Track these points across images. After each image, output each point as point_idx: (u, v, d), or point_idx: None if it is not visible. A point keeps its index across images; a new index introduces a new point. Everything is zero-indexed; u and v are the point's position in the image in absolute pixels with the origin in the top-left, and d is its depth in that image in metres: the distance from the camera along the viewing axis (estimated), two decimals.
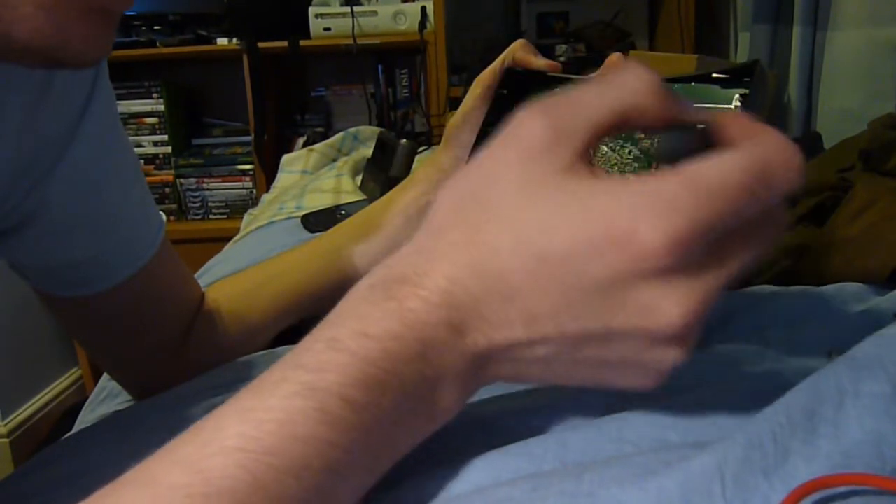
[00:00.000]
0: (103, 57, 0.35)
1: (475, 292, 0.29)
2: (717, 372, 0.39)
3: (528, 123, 0.30)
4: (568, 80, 0.58)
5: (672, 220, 0.27)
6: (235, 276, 0.70)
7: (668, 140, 0.32)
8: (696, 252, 0.28)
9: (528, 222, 0.29)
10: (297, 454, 0.26)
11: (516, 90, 0.60)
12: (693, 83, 0.50)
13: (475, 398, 0.38)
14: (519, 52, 0.58)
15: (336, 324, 0.30)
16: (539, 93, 0.59)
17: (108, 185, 0.53)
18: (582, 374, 0.31)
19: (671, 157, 0.31)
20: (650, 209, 0.27)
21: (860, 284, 0.56)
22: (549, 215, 0.29)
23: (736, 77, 0.48)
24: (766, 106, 1.56)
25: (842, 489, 0.27)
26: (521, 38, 0.63)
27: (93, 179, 0.52)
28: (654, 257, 0.27)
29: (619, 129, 0.31)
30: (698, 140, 0.31)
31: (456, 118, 0.62)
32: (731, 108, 0.47)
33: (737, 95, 0.47)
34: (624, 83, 0.31)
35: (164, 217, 0.60)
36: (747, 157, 0.28)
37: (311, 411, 0.27)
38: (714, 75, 0.49)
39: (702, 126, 0.32)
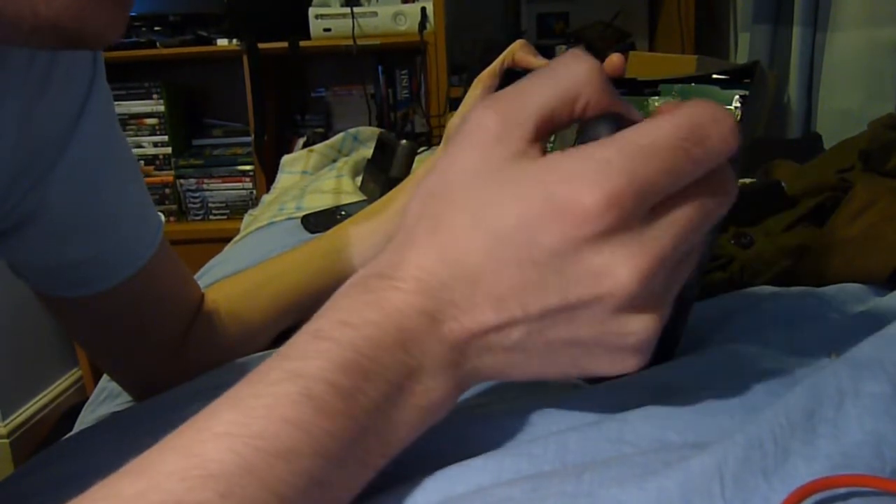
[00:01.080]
0: (118, 37, 0.36)
1: (444, 279, 0.31)
2: (717, 372, 0.39)
3: (480, 116, 0.32)
4: None
5: (608, 180, 0.28)
6: (235, 277, 0.70)
7: (598, 125, 0.33)
8: (637, 212, 0.29)
9: (481, 204, 0.31)
10: (285, 437, 0.27)
11: None
12: (693, 84, 0.50)
13: (475, 399, 0.38)
14: (518, 52, 0.59)
15: (319, 317, 0.31)
16: None
17: (106, 186, 0.53)
18: (560, 360, 0.32)
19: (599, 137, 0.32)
20: (586, 174, 0.29)
21: (860, 285, 0.56)
22: (499, 194, 0.30)
23: (736, 78, 0.48)
24: (767, 107, 1.56)
25: (842, 490, 0.27)
26: (521, 38, 0.63)
27: (91, 180, 0.52)
28: (595, 219, 0.28)
29: (566, 116, 0.32)
30: (620, 122, 0.33)
31: (456, 118, 0.62)
32: (730, 109, 0.47)
33: (737, 96, 0.47)
34: (568, 72, 0.32)
35: (162, 218, 0.60)
36: (676, 118, 0.30)
37: (297, 395, 0.28)
38: (714, 76, 0.49)
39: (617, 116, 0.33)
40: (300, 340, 0.30)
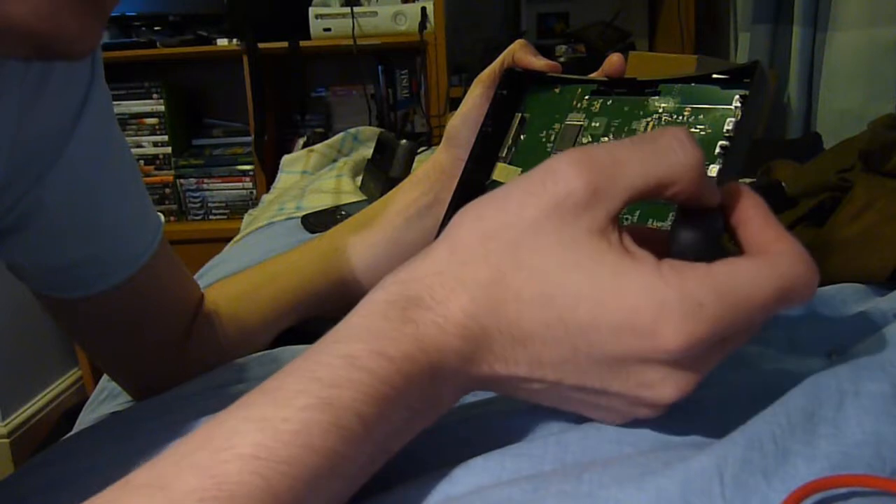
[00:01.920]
0: (92, 49, 0.35)
1: (490, 330, 0.31)
2: (717, 372, 0.39)
3: (567, 176, 0.30)
4: (567, 81, 0.58)
5: (695, 325, 0.28)
6: (235, 277, 0.70)
7: (697, 230, 0.33)
8: (704, 353, 0.29)
9: (557, 284, 0.30)
10: (311, 464, 0.27)
11: (515, 90, 0.60)
12: (693, 84, 0.50)
13: (475, 399, 0.38)
14: (518, 52, 0.58)
15: (353, 338, 0.30)
16: (538, 93, 0.60)
17: (104, 187, 0.53)
18: (569, 407, 0.34)
19: (690, 245, 0.32)
20: (677, 311, 0.28)
21: (860, 285, 0.56)
22: (578, 285, 0.30)
23: (736, 78, 0.48)
24: (767, 106, 1.56)
25: (842, 490, 0.27)
26: (521, 38, 0.63)
27: (89, 181, 0.52)
28: (668, 354, 0.29)
29: (653, 196, 0.31)
30: (718, 224, 0.33)
31: (455, 118, 0.62)
32: (730, 109, 0.47)
33: (737, 96, 0.47)
34: (671, 157, 0.31)
35: (161, 218, 0.60)
36: (777, 277, 0.30)
37: (327, 425, 0.28)
38: (714, 76, 0.49)
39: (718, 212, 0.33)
40: (334, 364, 0.29)
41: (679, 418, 0.34)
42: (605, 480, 0.28)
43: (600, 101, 0.55)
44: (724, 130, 0.47)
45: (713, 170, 0.46)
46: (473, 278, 0.31)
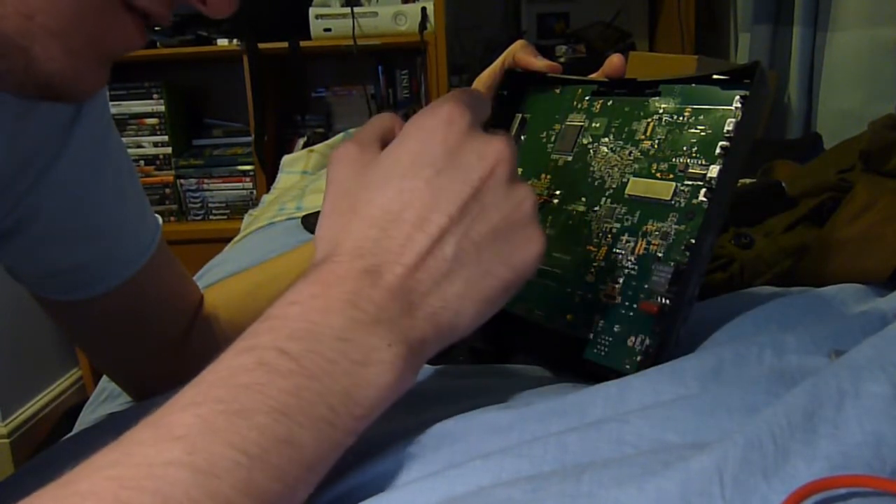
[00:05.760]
0: (98, 91, 0.41)
1: (375, 236, 0.35)
2: (717, 372, 0.39)
3: (343, 148, 0.40)
4: (567, 81, 0.58)
5: (449, 102, 0.38)
6: (235, 278, 0.70)
7: None
8: (475, 120, 0.38)
9: (378, 175, 0.37)
10: (244, 399, 0.30)
11: (516, 91, 0.60)
12: (693, 84, 0.50)
13: (474, 400, 0.38)
14: (519, 52, 0.58)
15: (270, 307, 0.34)
16: (538, 93, 0.60)
17: (102, 190, 0.53)
18: (491, 261, 0.36)
19: None
20: (434, 108, 0.38)
21: (860, 285, 0.55)
22: (386, 162, 0.37)
23: (736, 78, 0.48)
24: (767, 107, 1.56)
25: (842, 491, 0.27)
26: (522, 38, 0.64)
27: (86, 184, 0.52)
28: (457, 117, 0.37)
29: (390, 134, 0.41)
30: None
31: None
32: (731, 109, 0.47)
33: (737, 97, 0.47)
34: (377, 119, 0.42)
35: (160, 220, 0.60)
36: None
37: (250, 364, 0.31)
38: (715, 76, 0.49)
39: None
40: (253, 325, 0.33)
41: (679, 419, 0.34)
42: (605, 481, 0.28)
43: (601, 101, 0.55)
44: (725, 131, 0.47)
45: (713, 170, 0.46)
46: (345, 223, 0.37)
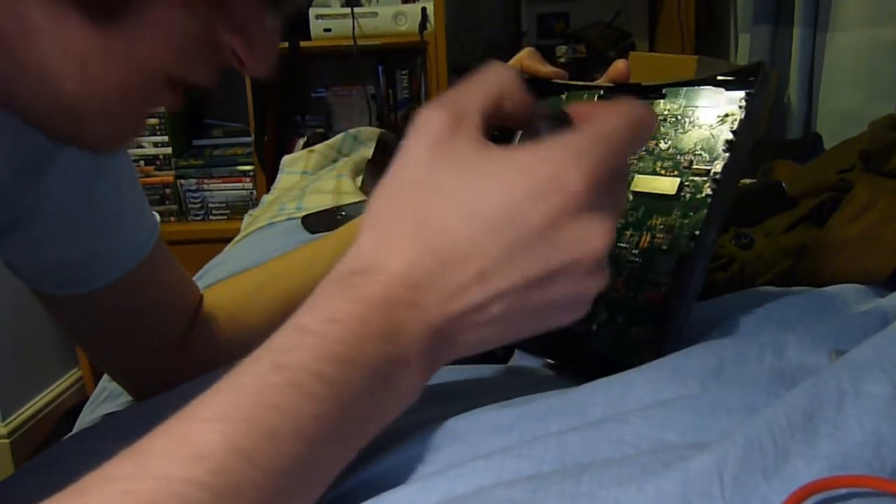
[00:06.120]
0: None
1: (431, 269, 0.33)
2: (717, 372, 0.39)
3: (427, 116, 0.35)
4: (572, 87, 0.58)
5: (587, 163, 0.33)
6: (236, 278, 0.70)
7: (546, 123, 0.37)
8: (604, 188, 0.34)
9: (464, 195, 0.33)
10: (270, 420, 0.29)
11: None
12: (697, 86, 0.51)
13: (475, 399, 0.38)
14: (527, 59, 0.59)
15: (302, 314, 0.33)
16: (543, 99, 0.60)
17: (101, 187, 0.53)
18: (531, 321, 0.35)
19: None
20: (568, 159, 0.33)
21: (860, 285, 0.55)
22: (480, 183, 0.33)
23: (741, 78, 0.49)
24: (768, 106, 1.56)
25: (842, 491, 0.27)
26: (522, 38, 0.65)
27: (86, 181, 0.52)
28: (580, 195, 0.33)
29: (498, 111, 0.36)
30: (565, 122, 0.37)
31: None
32: (735, 108, 0.48)
33: (741, 96, 0.48)
34: (493, 76, 0.37)
35: (158, 218, 0.61)
36: (622, 111, 0.36)
37: (282, 383, 0.30)
38: (719, 77, 0.49)
39: (563, 112, 0.37)
40: (285, 335, 0.32)
41: (679, 419, 0.34)
42: (605, 481, 0.28)
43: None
44: (730, 128, 0.47)
45: (718, 165, 0.47)
46: (401, 234, 0.34)
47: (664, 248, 0.47)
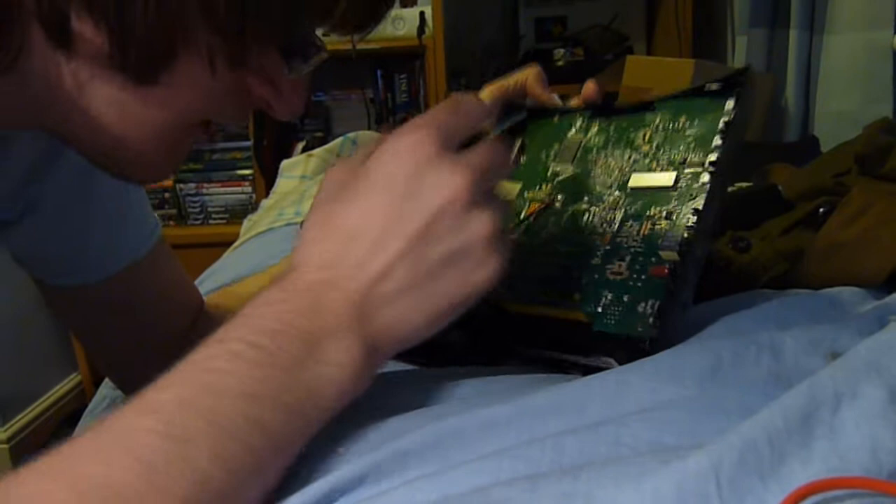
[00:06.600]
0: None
1: (338, 252, 0.39)
2: (714, 375, 0.39)
3: (333, 168, 0.44)
4: (565, 110, 0.60)
5: (421, 124, 0.40)
6: (242, 283, 0.71)
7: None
8: (448, 144, 0.40)
9: (350, 188, 0.41)
10: (215, 381, 0.34)
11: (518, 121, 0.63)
12: (685, 98, 0.53)
13: (472, 402, 0.38)
14: (532, 83, 0.61)
15: (244, 306, 0.38)
16: (537, 120, 0.63)
17: (107, 180, 0.55)
18: (443, 283, 0.39)
19: None
20: (406, 130, 0.40)
21: (856, 288, 0.56)
22: (359, 178, 0.41)
23: (727, 85, 0.51)
24: (764, 104, 1.57)
25: (839, 493, 0.27)
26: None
27: (89, 174, 0.54)
28: (423, 145, 0.39)
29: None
30: None
31: None
32: (721, 113, 0.50)
33: (730, 101, 0.50)
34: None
35: (159, 220, 0.63)
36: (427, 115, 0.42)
37: (222, 352, 0.35)
38: (706, 88, 0.52)
39: None
40: (227, 323, 0.37)
41: (676, 421, 0.34)
42: (602, 480, 0.29)
43: (598, 121, 0.58)
44: (718, 129, 0.50)
45: (712, 156, 0.49)
46: (315, 238, 0.41)
47: (667, 229, 0.48)
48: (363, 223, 0.39)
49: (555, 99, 0.61)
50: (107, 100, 0.40)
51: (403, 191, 0.39)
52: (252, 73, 0.42)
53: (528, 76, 0.61)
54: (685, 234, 0.47)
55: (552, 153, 0.58)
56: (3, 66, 0.38)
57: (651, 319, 0.45)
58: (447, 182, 0.39)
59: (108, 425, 0.32)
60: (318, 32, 0.46)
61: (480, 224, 0.39)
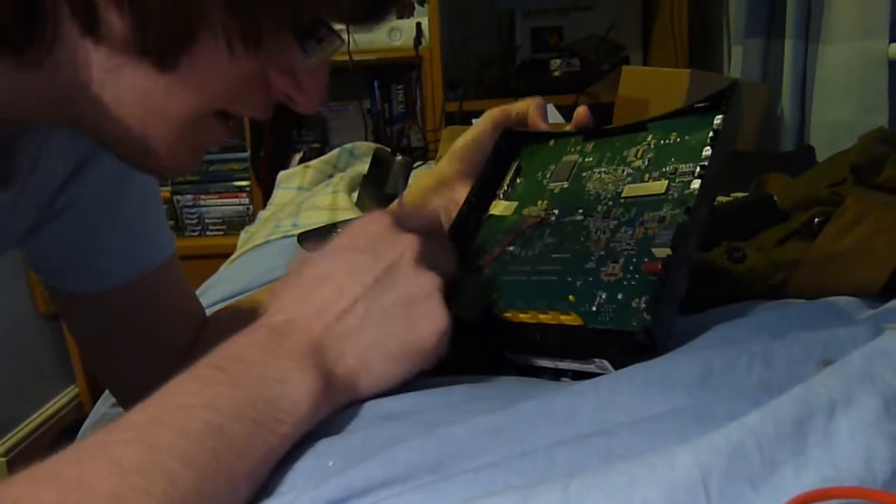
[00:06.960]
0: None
1: (300, 296, 0.45)
2: (708, 385, 0.39)
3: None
4: (560, 135, 0.63)
5: (378, 216, 0.48)
6: (248, 298, 0.73)
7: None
8: (397, 223, 0.47)
9: (318, 255, 0.47)
10: (182, 399, 0.37)
11: (513, 144, 0.65)
12: (676, 118, 0.56)
13: (463, 408, 0.38)
14: (533, 114, 0.65)
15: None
16: (533, 144, 0.64)
17: (130, 191, 0.59)
18: (396, 325, 0.44)
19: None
20: (365, 217, 0.49)
21: (851, 298, 0.56)
22: (326, 247, 0.48)
23: (716, 103, 0.53)
24: (743, 116, 1.57)
25: (834, 503, 0.27)
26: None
27: (118, 182, 0.57)
28: (382, 218, 0.47)
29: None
30: None
31: (464, 138, 0.66)
32: (711, 126, 0.52)
33: (717, 120, 0.52)
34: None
35: (174, 236, 0.65)
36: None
37: (189, 377, 0.39)
38: (695, 105, 0.55)
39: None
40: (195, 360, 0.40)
41: (668, 431, 0.34)
42: (592, 490, 0.29)
43: (592, 142, 0.61)
44: (707, 139, 0.52)
45: (702, 164, 0.51)
46: (284, 293, 0.46)
47: (660, 231, 0.50)
48: (325, 274, 0.45)
49: (548, 128, 0.65)
50: (132, 89, 0.42)
51: (362, 249, 0.46)
52: (271, 63, 0.44)
53: (529, 106, 0.64)
54: (678, 230, 0.48)
55: (548, 174, 0.61)
56: (37, 58, 0.39)
57: (645, 315, 0.46)
58: (400, 241, 0.46)
59: (87, 441, 0.35)
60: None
61: (428, 280, 0.45)
